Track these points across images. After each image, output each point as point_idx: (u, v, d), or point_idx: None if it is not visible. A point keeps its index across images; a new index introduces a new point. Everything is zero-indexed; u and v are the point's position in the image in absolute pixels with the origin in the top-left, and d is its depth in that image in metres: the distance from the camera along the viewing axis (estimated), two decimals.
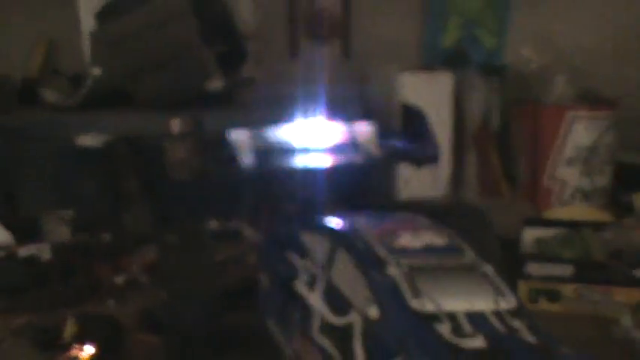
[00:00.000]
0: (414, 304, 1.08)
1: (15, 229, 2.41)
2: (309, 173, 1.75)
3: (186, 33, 2.69)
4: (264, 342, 1.53)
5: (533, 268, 2.00)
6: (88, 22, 3.10)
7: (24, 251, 2.25)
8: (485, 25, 3.41)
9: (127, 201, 2.65)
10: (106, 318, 1.79)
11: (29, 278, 2.12)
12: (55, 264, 2.18)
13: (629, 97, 3.00)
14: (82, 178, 2.68)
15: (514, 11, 3.39)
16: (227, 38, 2.86)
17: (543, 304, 1.96)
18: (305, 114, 1.90)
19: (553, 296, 1.98)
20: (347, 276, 1.23)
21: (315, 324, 1.24)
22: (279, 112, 2.09)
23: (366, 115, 2.47)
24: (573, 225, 2.24)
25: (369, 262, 1.20)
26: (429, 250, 1.23)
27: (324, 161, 1.79)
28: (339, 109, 2.01)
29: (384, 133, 1.87)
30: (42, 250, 2.26)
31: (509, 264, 1.82)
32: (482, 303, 1.10)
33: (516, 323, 1.08)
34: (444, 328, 1.04)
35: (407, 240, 1.25)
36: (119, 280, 2.17)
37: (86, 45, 3.12)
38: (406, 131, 1.95)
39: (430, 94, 2.81)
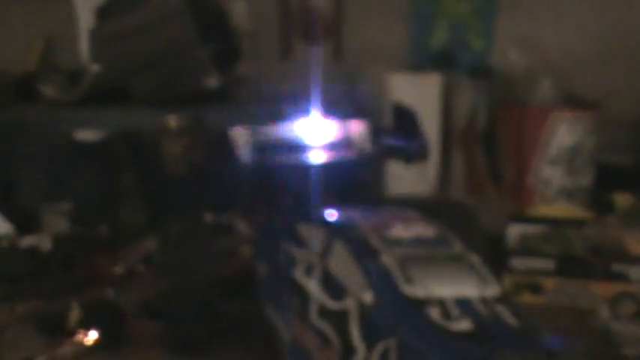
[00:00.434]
0: (406, 290, 1.16)
1: (15, 220, 2.47)
2: (304, 169, 1.81)
3: (183, 31, 2.73)
4: (263, 328, 1.61)
5: (517, 263, 2.09)
6: (85, 19, 3.16)
7: (25, 242, 2.32)
8: (472, 27, 3.47)
9: (124, 195, 2.70)
10: (108, 305, 1.86)
11: (31, 267, 2.19)
12: (56, 254, 2.25)
13: (612, 99, 3.06)
14: (80, 172, 2.74)
15: (501, 14, 3.45)
16: (222, 37, 2.91)
17: (526, 297, 2.05)
18: (299, 112, 1.95)
19: (535, 289, 2.06)
20: (343, 264, 1.31)
21: (313, 309, 1.32)
22: (274, 110, 2.15)
23: (357, 113, 2.54)
24: (555, 222, 2.32)
25: (363, 252, 1.28)
26: (419, 241, 1.31)
27: (319, 157, 1.85)
28: (332, 108, 2.07)
29: (375, 130, 1.93)
30: (42, 241, 2.33)
31: (495, 258, 1.89)
32: (469, 290, 1.18)
33: (500, 309, 1.15)
34: (434, 312, 1.12)
35: (399, 231, 1.33)
36: (118, 270, 2.24)
37: (83, 41, 3.16)
38: (397, 129, 2.01)
39: (418, 94, 2.86)
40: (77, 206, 2.64)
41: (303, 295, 1.38)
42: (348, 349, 1.18)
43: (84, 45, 3.13)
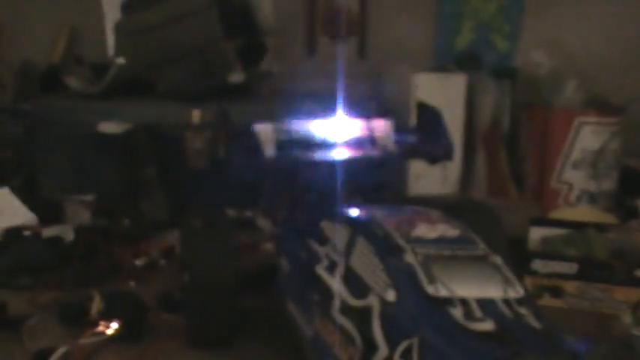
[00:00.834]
0: (429, 289, 1.16)
1: (38, 211, 2.49)
2: (327, 166, 1.81)
3: (209, 26, 2.75)
4: (284, 323, 1.61)
5: (539, 265, 2.08)
6: (110, 11, 3.17)
7: (47, 232, 2.34)
8: (498, 28, 3.46)
9: (146, 188, 2.72)
10: (130, 296, 1.86)
11: (53, 258, 2.21)
12: (78, 245, 2.26)
13: (637, 103, 3.03)
14: (103, 165, 2.75)
15: (526, 16, 3.43)
16: (247, 32, 2.92)
17: (547, 300, 2.04)
18: (323, 109, 1.95)
19: (556, 292, 2.05)
20: (366, 262, 1.31)
21: (336, 305, 1.32)
22: (298, 107, 2.15)
23: (381, 112, 2.54)
24: (578, 225, 2.31)
25: (387, 250, 1.28)
26: (443, 240, 1.31)
27: (342, 155, 1.84)
28: (356, 106, 2.07)
29: (399, 129, 1.93)
30: (65, 232, 2.34)
31: (516, 260, 1.88)
32: (493, 291, 1.18)
33: (523, 310, 1.15)
34: (457, 312, 1.12)
35: (423, 230, 1.33)
36: (139, 262, 2.26)
37: (108, 34, 3.18)
38: (421, 128, 2.00)
39: (443, 94, 2.85)
40: (100, 198, 2.66)
41: (325, 291, 1.38)
42: (370, 347, 1.19)
43: (109, 38, 3.15)
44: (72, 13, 3.35)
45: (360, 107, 2.38)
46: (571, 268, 2.05)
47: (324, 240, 1.51)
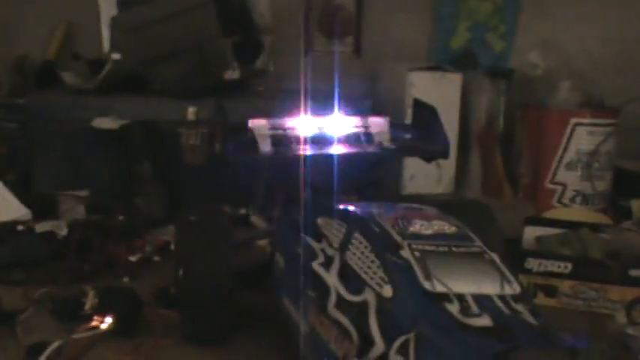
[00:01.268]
0: (426, 285, 1.16)
1: (32, 206, 2.48)
2: (323, 163, 1.81)
3: (206, 23, 2.74)
4: (279, 319, 1.61)
5: (533, 264, 2.08)
6: (106, 7, 3.16)
7: (41, 227, 2.32)
8: (493, 29, 3.47)
9: (141, 184, 2.71)
10: (124, 291, 1.86)
11: (47, 253, 2.20)
12: (71, 240, 2.25)
13: (631, 105, 3.04)
14: (98, 160, 2.75)
15: (523, 16, 3.44)
16: (244, 30, 2.92)
17: (541, 299, 2.04)
18: (319, 106, 1.95)
19: (550, 291, 2.06)
20: (362, 258, 1.31)
21: (332, 301, 1.32)
22: (294, 104, 2.15)
23: (377, 109, 2.54)
24: (572, 225, 2.32)
25: (383, 245, 1.29)
26: (439, 236, 1.31)
27: (338, 152, 1.84)
28: (351, 103, 2.07)
29: (395, 126, 1.93)
30: (59, 227, 2.33)
31: (511, 259, 1.89)
32: (489, 287, 1.18)
33: (519, 307, 1.15)
34: (453, 308, 1.12)
35: (419, 227, 1.33)
36: (133, 258, 2.25)
37: (104, 29, 3.17)
38: (417, 125, 2.00)
39: (438, 93, 2.86)
40: (94, 194, 2.65)
41: (321, 287, 1.38)
42: (366, 342, 1.18)
43: (105, 34, 3.13)
44: (68, 8, 3.35)
45: (357, 104, 2.39)
46: (565, 267, 2.06)
47: (320, 236, 1.51)
